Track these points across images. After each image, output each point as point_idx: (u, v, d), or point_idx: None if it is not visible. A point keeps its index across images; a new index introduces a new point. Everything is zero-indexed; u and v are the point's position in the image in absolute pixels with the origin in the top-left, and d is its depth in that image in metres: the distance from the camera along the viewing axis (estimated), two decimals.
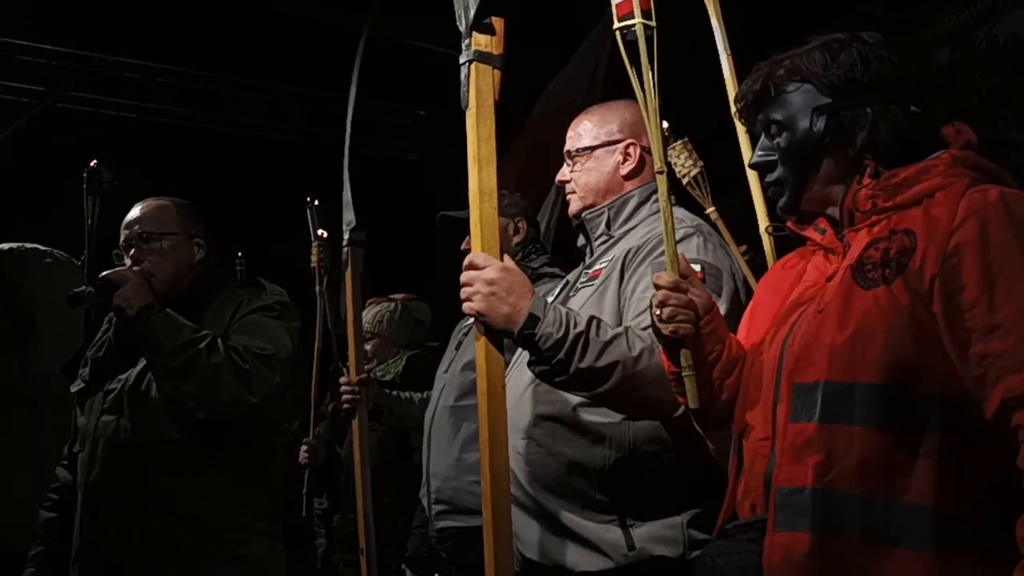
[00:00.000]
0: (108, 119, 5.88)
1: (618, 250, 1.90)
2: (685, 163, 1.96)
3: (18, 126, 5.41)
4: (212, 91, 6.07)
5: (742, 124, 1.58)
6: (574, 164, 2.03)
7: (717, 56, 2.06)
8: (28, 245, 2.71)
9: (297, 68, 5.93)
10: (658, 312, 1.38)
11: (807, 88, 1.41)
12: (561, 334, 1.59)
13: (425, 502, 2.74)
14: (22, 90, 5.59)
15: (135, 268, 2.25)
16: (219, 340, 2.14)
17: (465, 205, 2.82)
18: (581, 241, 2.08)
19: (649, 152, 1.99)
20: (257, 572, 2.19)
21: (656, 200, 1.95)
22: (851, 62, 1.39)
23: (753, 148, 1.52)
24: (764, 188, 1.50)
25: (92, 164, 2.40)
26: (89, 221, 2.38)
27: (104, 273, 2.18)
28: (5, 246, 2.67)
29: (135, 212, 2.35)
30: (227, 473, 2.19)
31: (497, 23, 1.58)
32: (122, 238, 2.33)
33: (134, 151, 5.47)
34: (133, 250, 2.30)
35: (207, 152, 5.99)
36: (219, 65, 5.96)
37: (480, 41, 1.56)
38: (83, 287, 2.16)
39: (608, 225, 1.99)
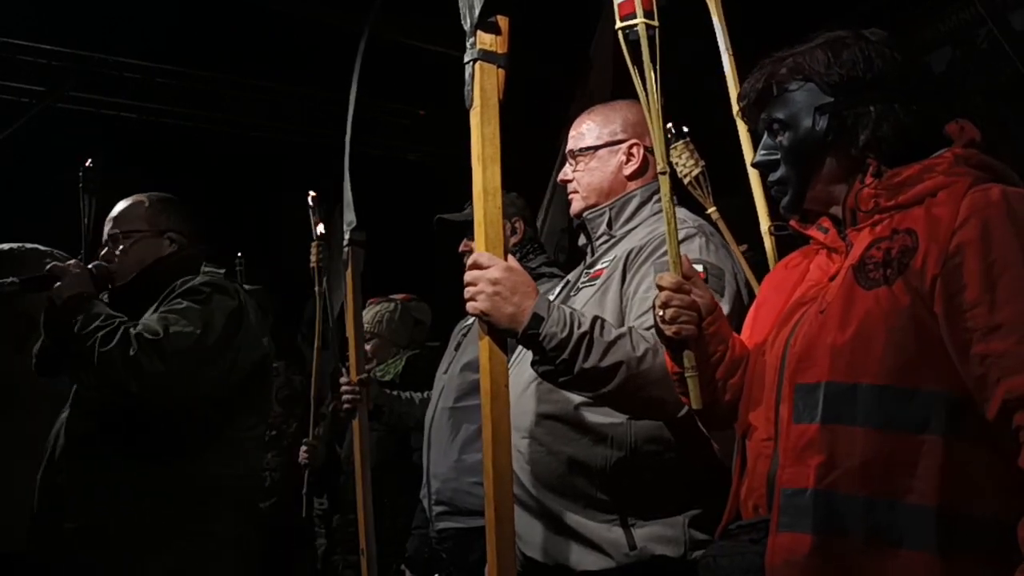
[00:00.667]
0: (108, 119, 5.88)
1: (620, 250, 1.90)
2: (687, 163, 1.95)
3: (18, 126, 5.41)
4: (212, 91, 6.07)
5: (745, 123, 1.57)
6: (576, 164, 2.03)
7: (717, 55, 2.06)
8: (28, 245, 2.70)
9: (297, 68, 5.93)
10: (661, 313, 1.38)
11: (810, 87, 1.41)
12: (565, 334, 1.58)
13: (425, 503, 2.74)
14: (22, 90, 5.60)
15: (94, 263, 2.29)
16: (122, 327, 2.09)
17: (465, 205, 2.83)
18: (582, 241, 2.08)
19: (652, 152, 1.99)
20: (174, 573, 2.11)
21: (658, 200, 1.96)
22: (854, 60, 1.38)
23: (756, 147, 1.51)
24: (767, 187, 1.50)
25: (87, 164, 2.41)
26: (85, 220, 2.40)
27: (48, 266, 2.21)
28: (5, 246, 2.67)
29: (112, 211, 2.40)
30: (141, 468, 2.13)
31: (502, 22, 1.58)
32: (104, 236, 2.39)
33: (134, 151, 5.48)
34: (105, 249, 2.36)
35: (207, 152, 5.99)
36: (219, 65, 5.96)
37: (485, 40, 1.56)
38: (7, 278, 2.19)
39: (610, 225, 1.99)
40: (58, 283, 2.15)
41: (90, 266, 2.30)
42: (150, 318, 2.16)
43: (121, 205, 2.41)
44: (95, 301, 2.17)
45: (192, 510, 2.16)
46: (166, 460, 2.16)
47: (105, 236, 2.38)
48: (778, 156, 1.44)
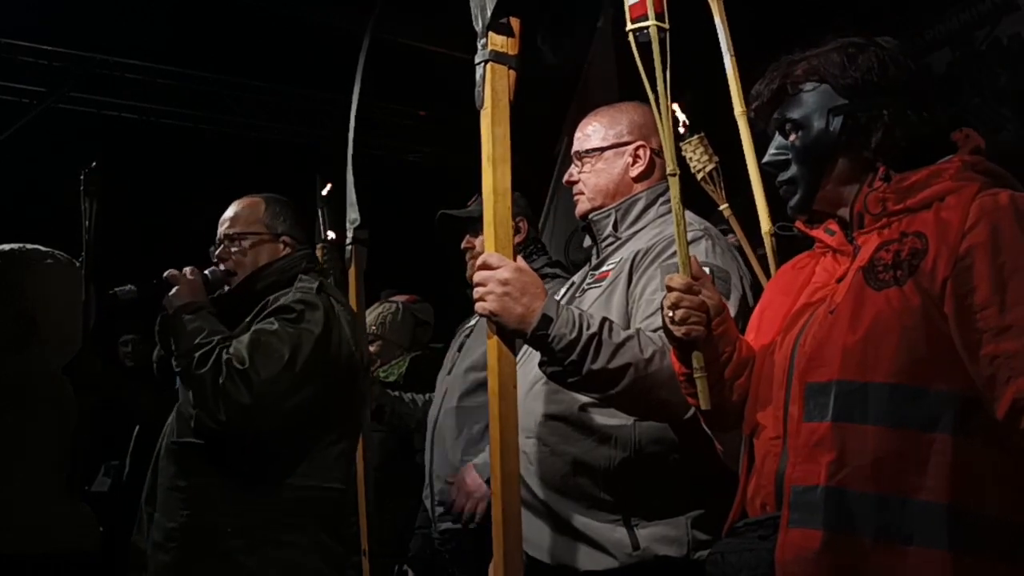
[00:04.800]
0: (108, 120, 5.88)
1: (625, 252, 1.90)
2: (700, 158, 1.94)
3: (19, 127, 5.40)
4: (212, 92, 6.08)
5: (750, 124, 1.57)
6: (583, 165, 2.03)
7: (717, 56, 2.05)
8: (28, 245, 2.68)
9: (297, 69, 5.94)
10: (671, 314, 1.39)
11: (824, 88, 1.41)
12: (574, 335, 1.59)
13: (428, 504, 2.74)
14: (23, 91, 5.59)
15: (210, 268, 2.32)
16: (218, 348, 2.11)
17: (469, 202, 2.81)
18: (588, 242, 2.08)
19: (658, 154, 1.99)
20: None
21: (663, 202, 1.96)
22: (869, 65, 1.40)
23: (763, 149, 1.51)
24: (776, 187, 1.49)
25: (91, 166, 2.40)
26: (87, 223, 2.39)
27: (165, 273, 2.24)
28: (5, 246, 2.65)
29: (228, 211, 2.42)
30: (243, 479, 2.16)
31: (514, 23, 1.58)
32: (217, 236, 2.40)
33: (135, 152, 5.47)
34: (220, 248, 2.37)
35: (207, 153, 5.99)
36: (219, 66, 5.96)
37: (496, 41, 1.56)
38: (125, 286, 2.21)
39: (615, 227, 1.98)
40: (171, 291, 2.19)
41: (206, 271, 2.32)
42: (241, 340, 2.14)
43: (238, 205, 2.42)
44: (202, 313, 2.19)
45: (276, 520, 2.17)
46: (249, 472, 2.17)
47: (220, 235, 2.39)
48: (789, 156, 1.44)
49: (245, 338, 2.15)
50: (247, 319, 2.28)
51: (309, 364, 2.13)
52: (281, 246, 2.39)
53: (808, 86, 1.43)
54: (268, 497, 2.17)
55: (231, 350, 2.11)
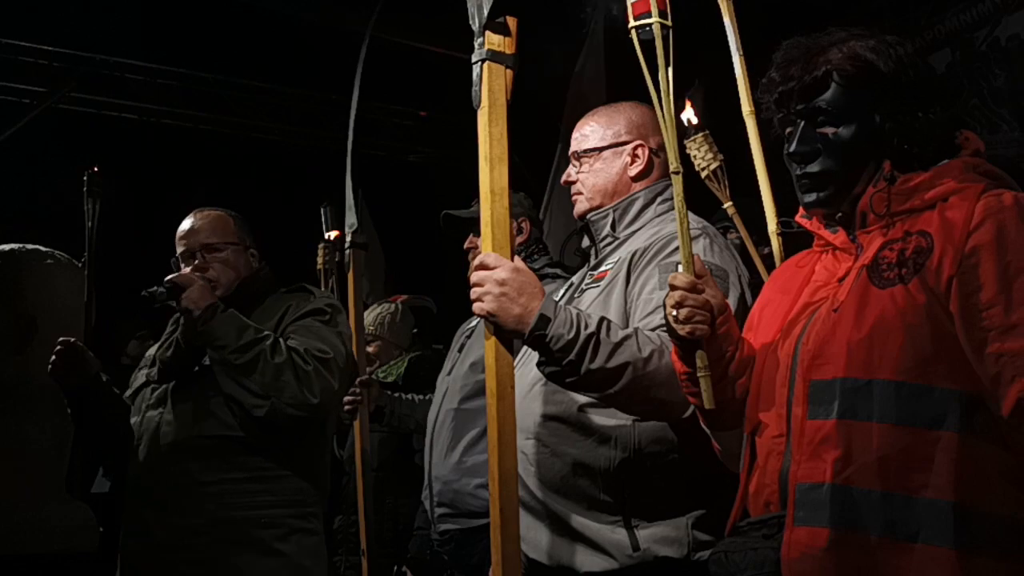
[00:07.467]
0: (109, 120, 5.88)
1: (624, 252, 1.90)
2: (705, 156, 1.92)
3: (19, 127, 5.40)
4: (213, 92, 6.08)
5: (778, 110, 1.46)
6: (580, 165, 2.02)
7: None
8: (29, 246, 2.69)
9: (298, 69, 5.94)
10: (674, 313, 1.38)
11: (873, 84, 1.37)
12: (572, 335, 1.58)
13: (427, 505, 2.73)
14: (23, 91, 5.60)
15: (197, 275, 2.34)
16: (280, 341, 2.21)
17: (466, 206, 2.82)
18: (586, 243, 2.07)
19: (656, 154, 1.98)
20: (293, 569, 2.22)
21: (661, 202, 1.96)
22: (907, 62, 1.38)
23: (782, 136, 1.45)
24: (795, 181, 1.44)
25: (93, 169, 2.41)
26: (89, 224, 2.40)
27: (170, 276, 2.27)
28: (6, 247, 2.66)
29: (194, 223, 2.43)
30: (270, 470, 2.24)
31: (511, 22, 1.57)
32: (181, 248, 2.41)
33: (135, 152, 5.48)
34: (196, 260, 2.40)
35: (208, 153, 5.99)
36: (220, 66, 5.97)
37: (493, 40, 1.56)
38: (155, 287, 2.25)
39: (613, 227, 1.97)
40: (185, 292, 2.22)
41: (197, 275, 2.35)
42: (304, 335, 2.27)
43: (204, 217, 2.45)
44: (233, 312, 2.25)
45: (308, 511, 2.30)
46: (294, 463, 2.28)
47: (190, 247, 2.41)
48: (819, 147, 1.39)
49: (307, 333, 2.27)
50: (277, 322, 2.35)
51: (347, 363, 2.33)
52: (250, 257, 2.48)
53: (856, 80, 1.37)
54: (290, 488, 2.27)
55: (296, 342, 2.22)
